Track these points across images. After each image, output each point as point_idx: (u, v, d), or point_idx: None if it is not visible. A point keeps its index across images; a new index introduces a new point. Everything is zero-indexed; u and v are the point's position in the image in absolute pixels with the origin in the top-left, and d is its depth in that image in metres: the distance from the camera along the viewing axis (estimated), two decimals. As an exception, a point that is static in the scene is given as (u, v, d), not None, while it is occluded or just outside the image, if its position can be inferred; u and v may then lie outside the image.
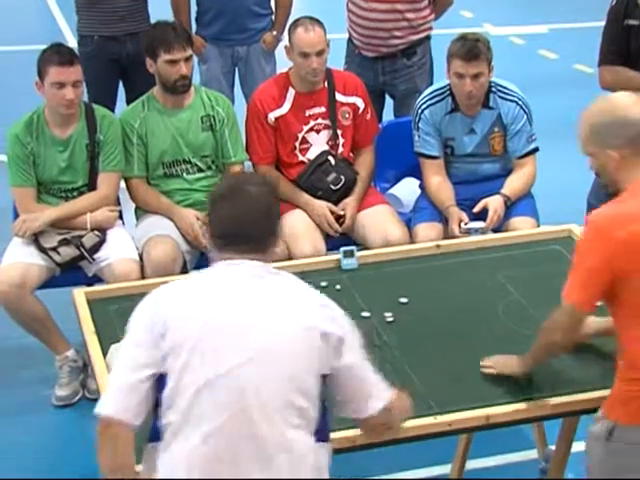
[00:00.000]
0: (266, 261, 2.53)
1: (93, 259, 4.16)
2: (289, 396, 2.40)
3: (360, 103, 4.55)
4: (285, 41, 4.60)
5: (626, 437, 2.69)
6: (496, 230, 4.25)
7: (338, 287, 3.54)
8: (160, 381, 2.43)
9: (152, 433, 2.50)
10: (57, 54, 4.13)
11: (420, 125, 4.41)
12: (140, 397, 2.42)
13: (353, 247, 3.81)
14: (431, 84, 4.98)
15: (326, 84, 4.50)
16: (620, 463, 2.72)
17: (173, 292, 2.52)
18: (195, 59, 4.59)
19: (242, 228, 2.50)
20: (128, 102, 4.97)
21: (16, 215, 4.29)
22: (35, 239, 4.16)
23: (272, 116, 4.46)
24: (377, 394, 2.52)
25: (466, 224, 4.20)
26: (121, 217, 4.45)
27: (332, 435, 2.75)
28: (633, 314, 2.71)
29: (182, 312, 2.45)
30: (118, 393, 2.43)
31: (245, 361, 2.39)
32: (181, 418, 2.39)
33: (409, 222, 4.44)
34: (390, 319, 3.34)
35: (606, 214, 2.76)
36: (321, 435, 2.48)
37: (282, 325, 2.43)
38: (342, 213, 4.43)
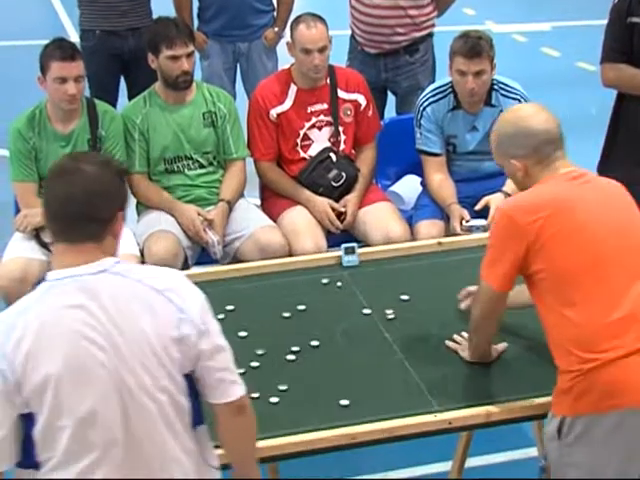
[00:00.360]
0: (104, 253, 2.35)
1: (94, 254, 4.15)
2: (165, 410, 2.34)
3: (362, 100, 4.55)
4: (287, 37, 4.60)
5: (574, 430, 2.69)
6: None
7: (339, 284, 3.54)
8: (26, 417, 2.32)
9: (22, 462, 2.38)
10: (59, 49, 4.12)
11: (422, 122, 4.40)
12: (5, 449, 2.31)
13: (354, 244, 3.81)
14: (433, 81, 4.98)
15: (328, 81, 4.50)
16: (572, 460, 2.72)
17: (13, 337, 2.28)
18: (197, 55, 4.59)
19: (74, 209, 2.30)
20: (130, 98, 4.97)
21: (17, 210, 4.29)
22: (36, 234, 4.16)
23: (274, 112, 4.45)
24: (239, 381, 2.44)
25: (468, 222, 4.20)
26: (122, 213, 4.44)
27: (332, 432, 2.76)
28: (552, 287, 2.73)
29: (32, 353, 2.27)
30: None
31: (112, 390, 2.29)
32: (61, 455, 2.30)
33: (410, 219, 4.43)
34: (391, 316, 3.33)
35: (515, 203, 2.84)
36: (197, 419, 2.45)
37: (139, 342, 2.31)
38: (343, 210, 4.43)
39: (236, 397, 2.43)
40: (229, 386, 2.42)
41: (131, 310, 2.33)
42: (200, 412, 2.47)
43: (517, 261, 2.77)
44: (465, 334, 3.12)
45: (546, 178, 2.85)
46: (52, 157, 4.22)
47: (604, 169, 4.08)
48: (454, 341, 3.16)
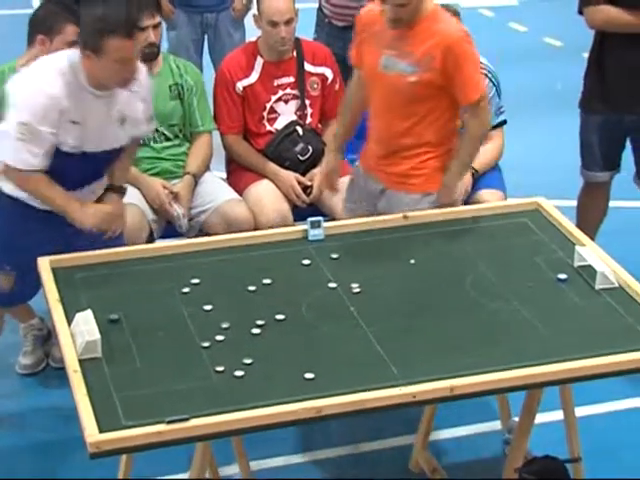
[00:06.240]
0: None
1: (58, 227, 4.12)
2: None
3: (329, 74, 4.53)
4: (254, 9, 4.57)
5: None
6: (464, 202, 4.25)
7: (304, 258, 3.53)
8: None
9: None
10: (69, 11, 3.95)
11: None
12: None
13: (320, 218, 3.80)
14: (400, 55, 4.96)
15: (295, 54, 4.48)
16: None
17: None
18: (164, 26, 4.55)
19: None
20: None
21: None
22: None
23: (240, 85, 4.43)
24: None
25: (433, 196, 4.19)
26: (87, 185, 4.41)
27: (297, 405, 2.76)
28: None
29: None
30: None
31: None
32: None
33: (377, 193, 4.43)
34: (356, 290, 3.34)
35: None
36: None
37: None
38: (309, 184, 4.43)
39: None
40: None
41: None
42: None
43: None
44: None
45: None
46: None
47: (591, 105, 4.30)
48: None
